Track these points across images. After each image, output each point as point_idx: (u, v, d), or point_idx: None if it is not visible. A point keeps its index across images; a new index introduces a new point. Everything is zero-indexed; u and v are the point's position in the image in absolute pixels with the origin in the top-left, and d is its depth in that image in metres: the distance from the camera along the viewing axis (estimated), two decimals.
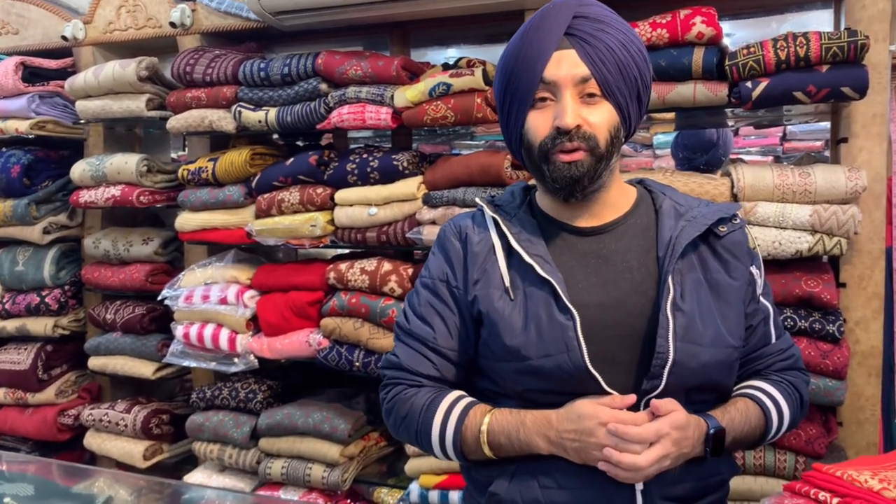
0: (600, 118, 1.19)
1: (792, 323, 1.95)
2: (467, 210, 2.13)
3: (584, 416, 1.14)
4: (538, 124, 1.21)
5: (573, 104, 1.17)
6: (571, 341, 1.16)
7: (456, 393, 1.28)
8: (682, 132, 3.40)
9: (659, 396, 1.16)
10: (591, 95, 1.19)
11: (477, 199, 1.37)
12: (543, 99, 1.20)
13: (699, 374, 1.19)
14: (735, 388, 1.31)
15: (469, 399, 1.27)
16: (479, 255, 1.28)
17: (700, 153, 3.21)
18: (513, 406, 1.24)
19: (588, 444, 1.13)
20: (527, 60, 1.19)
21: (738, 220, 1.30)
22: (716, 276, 1.25)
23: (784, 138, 5.11)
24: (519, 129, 1.24)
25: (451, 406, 1.25)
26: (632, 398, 1.15)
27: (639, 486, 1.15)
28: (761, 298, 1.32)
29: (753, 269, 1.31)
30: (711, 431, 1.17)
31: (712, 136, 3.21)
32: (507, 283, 1.24)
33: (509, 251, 1.26)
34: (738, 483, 2.01)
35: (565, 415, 1.16)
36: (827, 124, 4.60)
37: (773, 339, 1.35)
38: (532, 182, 1.38)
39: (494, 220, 1.30)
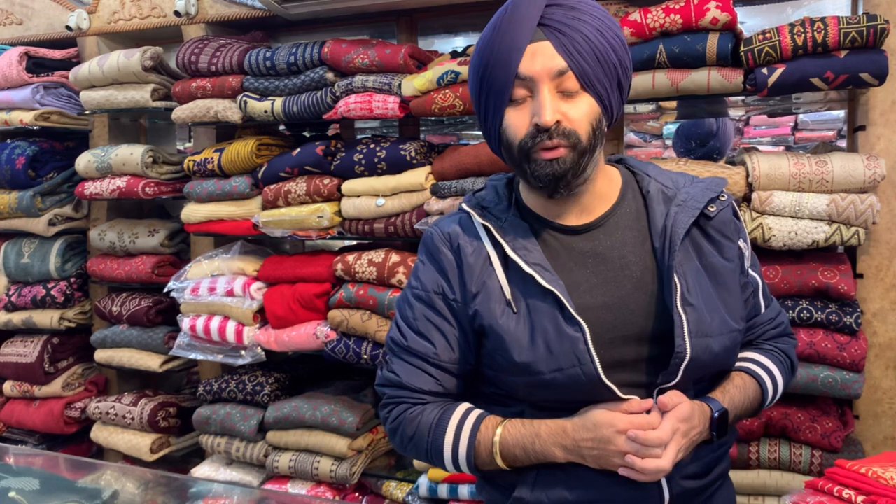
0: (580, 112, 1.13)
1: (808, 314, 1.92)
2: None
3: (601, 424, 1.12)
4: (516, 122, 1.15)
5: (551, 99, 1.12)
6: (583, 354, 1.13)
7: (463, 407, 1.24)
8: (683, 123, 3.35)
9: (675, 389, 1.15)
10: (570, 89, 1.13)
11: (463, 205, 1.30)
12: (520, 95, 1.15)
13: (710, 365, 1.19)
14: None
15: (478, 412, 1.24)
16: (475, 267, 1.22)
17: (701, 143, 3.17)
18: (523, 409, 1.22)
19: (607, 452, 1.12)
20: (500, 55, 1.13)
21: (726, 197, 1.27)
22: (711, 260, 1.23)
23: (796, 128, 5.04)
24: (497, 126, 1.19)
25: (462, 421, 1.22)
26: (649, 402, 1.14)
27: None
28: (750, 271, 1.30)
29: (741, 243, 1.29)
30: (716, 415, 1.17)
31: (712, 127, 3.16)
32: (509, 296, 1.19)
33: (505, 259, 1.22)
34: (752, 477, 1.98)
35: (581, 423, 1.14)
36: (839, 113, 4.57)
37: (763, 309, 1.34)
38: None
39: (486, 227, 1.24)
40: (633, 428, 1.10)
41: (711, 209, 1.23)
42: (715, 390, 1.23)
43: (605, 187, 1.25)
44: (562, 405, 1.18)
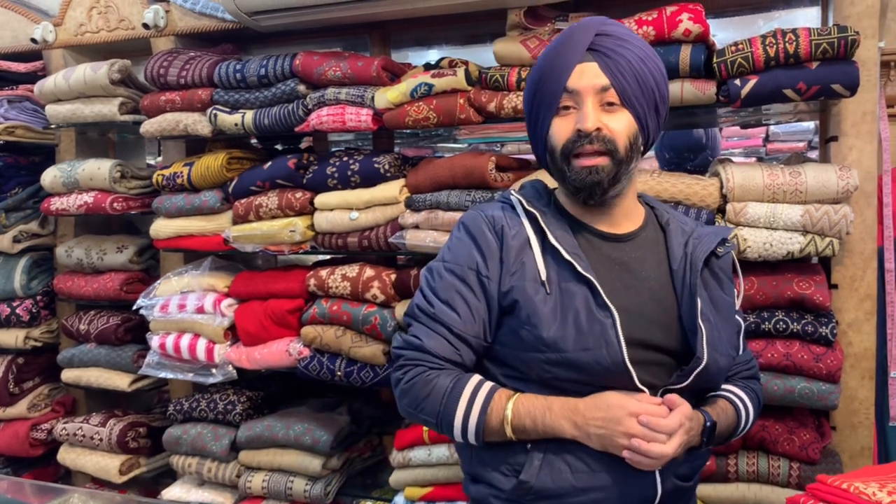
0: (619, 125, 1.30)
1: (784, 325, 1.91)
2: (452, 213, 2.09)
3: (613, 405, 1.22)
4: (561, 129, 1.32)
5: (594, 110, 1.29)
6: (611, 338, 1.25)
7: (476, 378, 1.32)
8: (667, 132, 3.34)
9: (678, 391, 1.29)
10: (611, 104, 1.30)
11: (512, 192, 1.43)
12: (567, 107, 1.32)
13: (715, 377, 1.35)
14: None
15: (490, 384, 1.32)
16: (514, 249, 1.34)
17: (688, 155, 3.13)
18: (533, 392, 1.30)
19: (614, 432, 1.21)
20: (553, 71, 1.31)
21: (729, 244, 1.44)
22: (715, 293, 1.38)
23: (767, 139, 5.08)
24: (544, 134, 1.35)
25: (476, 389, 1.29)
26: (658, 400, 1.25)
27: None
28: (736, 315, 1.46)
29: (734, 289, 1.47)
30: (708, 424, 1.31)
31: (701, 138, 3.12)
32: (544, 278, 1.30)
33: (543, 245, 1.34)
34: (731, 491, 1.97)
35: (593, 403, 1.24)
36: (810, 125, 4.62)
37: (741, 350, 1.50)
38: (554, 186, 1.46)
39: (532, 214, 1.36)
40: (645, 413, 1.21)
41: (720, 250, 1.41)
42: (705, 407, 1.36)
43: (632, 210, 1.42)
44: (575, 387, 1.27)
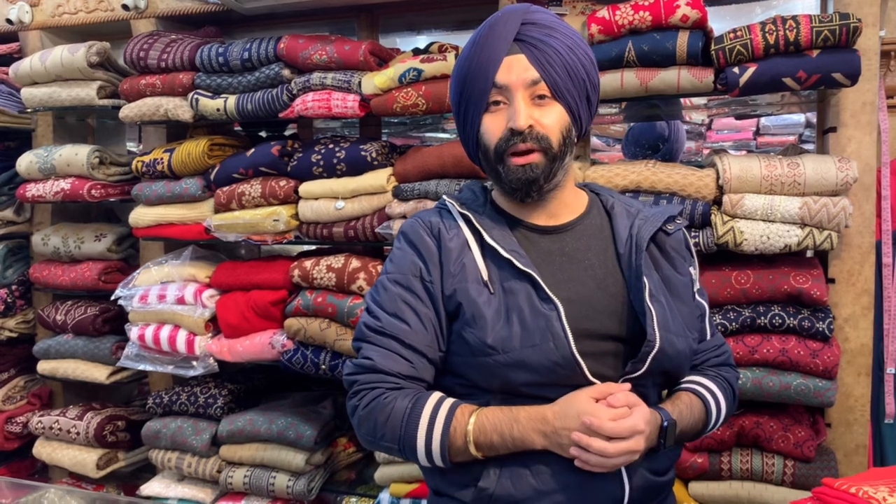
0: (552, 119, 1.25)
1: (780, 320, 1.87)
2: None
3: (584, 412, 1.14)
4: (493, 127, 1.27)
5: (525, 106, 1.24)
6: (557, 330, 1.19)
7: (435, 396, 1.24)
8: (633, 127, 3.28)
9: (637, 380, 1.22)
10: (542, 97, 1.25)
11: (444, 197, 1.39)
12: (497, 102, 1.26)
13: (673, 361, 1.26)
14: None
15: (451, 401, 1.24)
16: (454, 251, 1.29)
17: (651, 148, 3.10)
18: (488, 400, 1.24)
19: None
20: (480, 66, 1.25)
21: (680, 220, 1.39)
22: (667, 272, 1.33)
23: (757, 132, 5.04)
24: (475, 132, 1.30)
25: (435, 412, 1.21)
26: (626, 387, 1.18)
27: None
28: (697, 297, 1.39)
29: (691, 269, 1.40)
30: (665, 425, 1.21)
31: (663, 131, 3.09)
32: (486, 277, 1.25)
33: (482, 246, 1.29)
34: (724, 489, 1.93)
35: (561, 410, 1.17)
36: (801, 117, 4.58)
37: (708, 336, 1.42)
38: (489, 183, 1.41)
39: (466, 216, 1.32)
40: (616, 418, 1.12)
41: (669, 227, 1.36)
42: (665, 403, 1.29)
43: (572, 199, 1.37)
44: (530, 389, 1.21)
